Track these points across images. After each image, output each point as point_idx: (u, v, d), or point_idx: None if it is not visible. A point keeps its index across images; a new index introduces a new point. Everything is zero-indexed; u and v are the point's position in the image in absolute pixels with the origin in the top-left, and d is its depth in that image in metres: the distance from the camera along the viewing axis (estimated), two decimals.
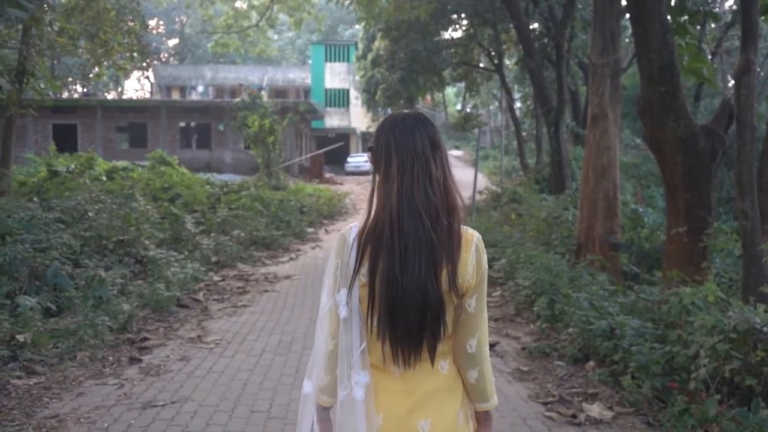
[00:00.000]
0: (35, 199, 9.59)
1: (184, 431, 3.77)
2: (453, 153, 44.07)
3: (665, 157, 6.40)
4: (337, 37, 54.00)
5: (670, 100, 6.25)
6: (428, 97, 33.63)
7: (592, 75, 9.14)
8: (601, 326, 5.02)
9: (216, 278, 8.82)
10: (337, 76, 43.53)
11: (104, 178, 15.08)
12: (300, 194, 19.69)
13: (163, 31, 56.66)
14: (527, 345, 5.74)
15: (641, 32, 6.48)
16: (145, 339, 5.73)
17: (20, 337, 4.94)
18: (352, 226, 1.66)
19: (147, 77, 46.54)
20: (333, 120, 43.09)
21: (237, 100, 26.94)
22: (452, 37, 23.56)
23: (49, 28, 12.11)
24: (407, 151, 1.60)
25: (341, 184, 28.88)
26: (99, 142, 31.21)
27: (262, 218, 13.16)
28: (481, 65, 25.89)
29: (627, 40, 15.61)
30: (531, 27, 17.57)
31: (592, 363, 5.08)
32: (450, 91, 51.96)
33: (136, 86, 59.05)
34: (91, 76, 18.67)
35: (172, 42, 58.38)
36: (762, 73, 20.04)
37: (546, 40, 17.63)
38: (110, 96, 47.83)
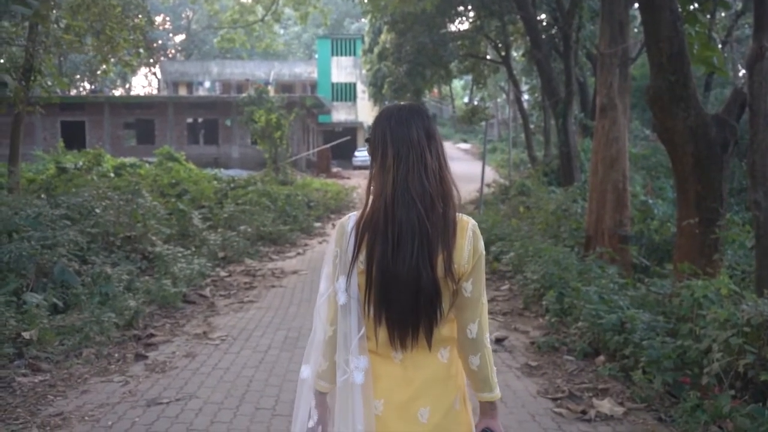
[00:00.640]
0: (42, 196, 9.60)
1: (188, 429, 3.73)
2: (460, 146, 43.89)
3: (675, 148, 6.29)
4: (343, 30, 53.83)
5: (680, 90, 6.13)
6: (435, 90, 33.48)
7: (600, 65, 9.01)
8: (611, 320, 4.94)
9: (223, 274, 8.81)
10: (343, 70, 43.40)
11: (112, 175, 15.09)
12: (307, 189, 19.66)
13: (170, 27, 56.71)
14: (536, 339, 5.67)
15: (651, 20, 6.36)
16: (151, 335, 5.72)
17: (26, 335, 4.92)
18: (351, 215, 1.70)
19: (154, 73, 46.69)
20: (340, 114, 42.97)
21: (244, 95, 26.92)
22: (459, 29, 23.38)
23: (55, 25, 12.10)
24: (403, 141, 1.63)
25: (348, 178, 28.84)
26: (107, 139, 31.33)
27: (269, 213, 13.14)
28: (488, 57, 25.70)
29: (636, 30, 15.43)
30: (538, 18, 17.40)
31: (602, 357, 5.00)
32: (457, 83, 51.76)
33: (144, 83, 59.27)
34: (98, 73, 18.73)
35: (179, 38, 58.43)
36: None
37: (554, 31, 17.47)
38: (118, 92, 48.01)
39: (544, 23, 18.27)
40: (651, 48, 6.36)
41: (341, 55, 43.52)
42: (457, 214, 1.64)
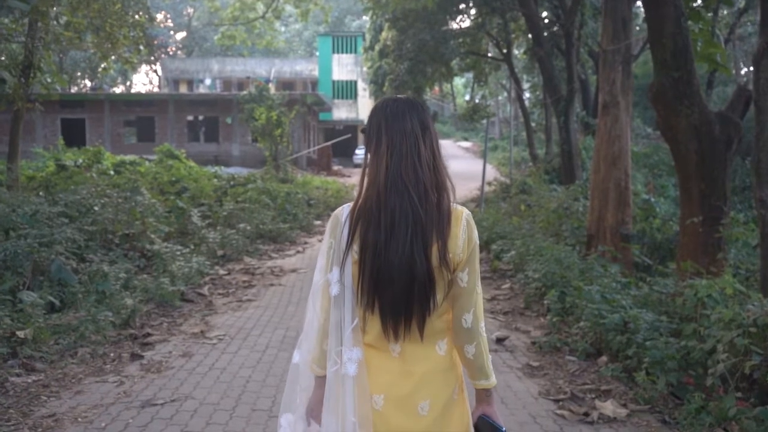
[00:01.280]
0: (41, 193, 9.54)
1: (183, 431, 3.67)
2: (461, 144, 43.83)
3: (679, 145, 6.22)
4: (344, 28, 53.75)
5: (683, 87, 6.06)
6: (436, 87, 33.39)
7: (602, 62, 8.94)
8: (613, 320, 4.87)
9: (221, 272, 8.74)
10: (344, 67, 43.30)
11: (112, 173, 15.04)
12: (307, 187, 19.60)
13: (171, 24, 56.60)
14: (537, 339, 5.60)
15: (654, 17, 6.29)
16: (148, 335, 5.65)
17: (20, 334, 4.85)
18: (344, 206, 1.70)
19: (155, 71, 46.60)
20: (341, 112, 42.88)
21: (244, 92, 26.85)
22: (460, 27, 23.28)
23: (54, 22, 12.04)
24: (397, 131, 1.64)
25: (349, 176, 28.77)
26: (107, 136, 31.29)
27: (268, 211, 13.08)
28: (490, 55, 25.61)
29: (638, 27, 15.33)
30: (540, 15, 17.31)
31: (604, 358, 4.93)
32: (458, 81, 51.63)
33: (144, 80, 59.18)
34: (99, 70, 18.66)
35: (180, 35, 58.33)
36: None
37: (555, 29, 17.36)
38: (118, 90, 47.95)
39: (546, 20, 18.16)
40: (654, 44, 6.29)
41: (342, 52, 43.42)
42: (452, 203, 1.65)
